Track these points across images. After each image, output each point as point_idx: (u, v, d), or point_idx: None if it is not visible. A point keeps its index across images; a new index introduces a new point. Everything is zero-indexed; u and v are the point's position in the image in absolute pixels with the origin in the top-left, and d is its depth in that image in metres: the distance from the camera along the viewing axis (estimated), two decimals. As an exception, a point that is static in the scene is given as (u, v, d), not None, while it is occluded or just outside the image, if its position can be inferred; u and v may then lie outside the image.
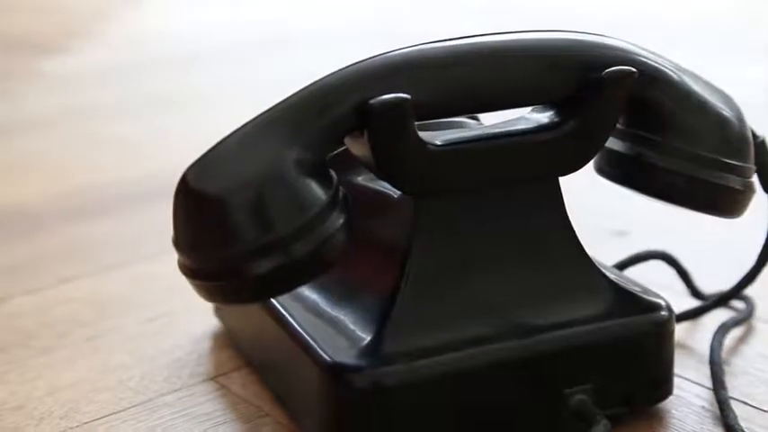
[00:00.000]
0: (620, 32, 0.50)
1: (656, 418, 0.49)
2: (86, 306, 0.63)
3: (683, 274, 0.59)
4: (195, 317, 0.58)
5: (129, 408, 0.51)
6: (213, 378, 0.53)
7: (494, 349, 0.45)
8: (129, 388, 0.53)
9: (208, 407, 0.51)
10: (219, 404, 0.51)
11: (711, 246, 0.67)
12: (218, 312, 0.57)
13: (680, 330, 0.56)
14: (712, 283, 0.59)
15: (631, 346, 0.47)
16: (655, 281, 0.60)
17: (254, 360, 0.53)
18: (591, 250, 0.62)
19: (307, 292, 0.49)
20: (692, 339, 0.56)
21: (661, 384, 0.49)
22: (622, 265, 0.59)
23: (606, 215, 0.71)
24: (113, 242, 0.73)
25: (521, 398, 0.46)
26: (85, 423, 0.50)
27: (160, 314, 0.60)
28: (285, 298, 0.49)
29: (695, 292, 0.59)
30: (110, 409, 0.51)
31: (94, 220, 0.78)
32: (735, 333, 0.56)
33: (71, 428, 0.49)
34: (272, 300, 0.49)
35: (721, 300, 0.57)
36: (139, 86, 1.18)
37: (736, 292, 0.56)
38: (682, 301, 0.59)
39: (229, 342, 0.56)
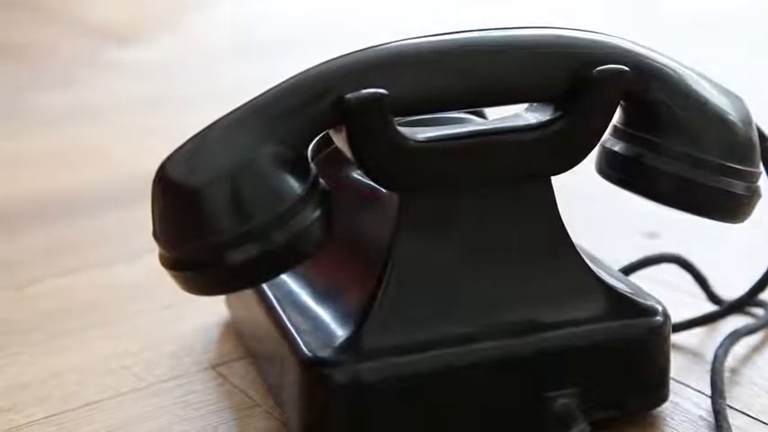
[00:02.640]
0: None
1: (649, 425, 0.48)
2: (109, 291, 0.64)
3: (700, 279, 0.57)
4: (209, 306, 0.59)
5: (128, 393, 0.52)
6: (214, 367, 0.54)
7: (476, 349, 0.45)
8: (131, 374, 0.54)
9: (203, 395, 0.51)
10: (215, 393, 0.52)
11: (747, 251, 0.65)
12: (227, 302, 0.58)
13: (693, 336, 0.55)
14: (743, 290, 0.58)
15: (622, 351, 0.46)
16: (678, 285, 0.59)
17: (252, 350, 0.54)
18: (618, 251, 0.62)
19: (296, 286, 0.49)
20: (704, 346, 0.54)
21: (654, 391, 0.48)
22: (633, 268, 0.57)
23: (640, 216, 0.70)
24: (150, 229, 0.74)
25: (502, 399, 0.45)
26: (83, 406, 0.51)
27: (176, 301, 0.60)
28: (278, 291, 0.49)
29: (713, 298, 0.57)
30: (108, 393, 0.52)
31: (136, 207, 0.78)
32: (750, 341, 0.54)
33: (67, 411, 0.50)
34: (267, 292, 0.49)
35: (735, 306, 0.55)
36: (210, 77, 1.19)
37: (750, 298, 0.54)
38: (702, 306, 0.57)
39: (235, 332, 0.57)
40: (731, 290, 0.58)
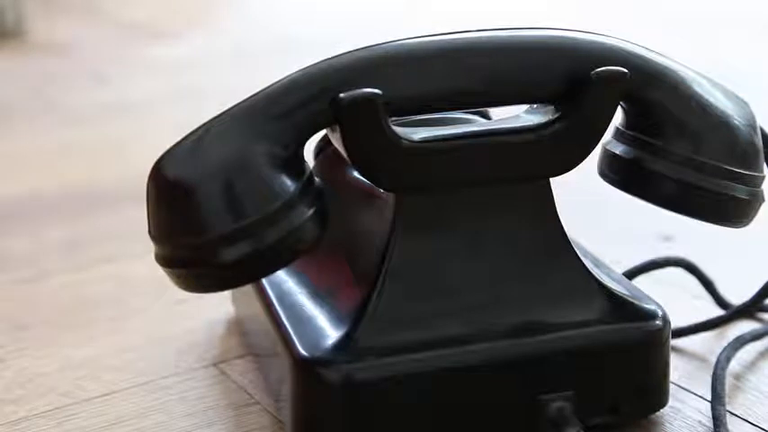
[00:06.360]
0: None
1: (646, 430, 0.47)
2: (123, 286, 0.64)
3: (706, 283, 0.57)
4: (217, 303, 0.59)
5: (129, 388, 0.52)
6: (216, 364, 0.54)
7: (470, 350, 0.45)
8: (134, 369, 0.54)
9: (203, 392, 0.52)
10: (215, 390, 0.52)
11: (766, 255, 0.64)
12: (233, 299, 0.58)
13: (700, 341, 0.55)
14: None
15: (619, 355, 0.46)
16: (686, 288, 0.58)
17: (252, 348, 0.54)
18: (632, 253, 0.61)
19: (294, 284, 0.49)
20: (710, 351, 0.54)
21: (652, 395, 0.47)
22: (639, 271, 0.57)
23: (655, 218, 0.69)
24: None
25: (495, 401, 0.45)
26: (84, 400, 0.51)
27: (185, 298, 0.61)
28: (277, 289, 0.49)
29: (720, 302, 0.57)
30: (110, 388, 0.52)
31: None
32: (757, 346, 0.54)
33: (68, 405, 0.51)
34: (267, 290, 0.50)
35: (741, 311, 0.54)
36: (240, 74, 1.19)
37: (756, 303, 0.54)
38: (710, 311, 0.57)
39: (239, 329, 0.57)
40: (744, 294, 0.57)
